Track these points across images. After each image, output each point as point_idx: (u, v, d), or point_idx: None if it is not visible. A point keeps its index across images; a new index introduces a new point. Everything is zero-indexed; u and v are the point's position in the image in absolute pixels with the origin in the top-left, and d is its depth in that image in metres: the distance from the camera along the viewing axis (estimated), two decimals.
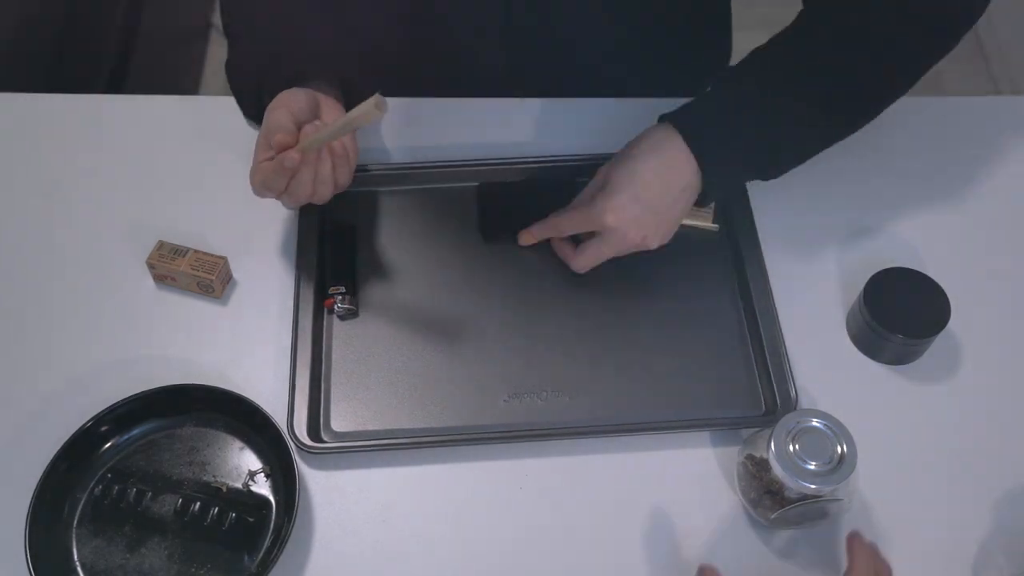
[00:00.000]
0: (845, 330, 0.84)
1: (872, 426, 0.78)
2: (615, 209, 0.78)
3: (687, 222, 0.87)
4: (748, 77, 0.80)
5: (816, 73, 0.79)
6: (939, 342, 0.81)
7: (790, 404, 0.78)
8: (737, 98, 0.79)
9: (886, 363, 0.82)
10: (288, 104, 0.77)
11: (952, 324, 0.79)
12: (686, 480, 0.76)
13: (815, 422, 0.69)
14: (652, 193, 0.78)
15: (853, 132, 0.83)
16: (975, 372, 0.82)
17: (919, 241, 0.89)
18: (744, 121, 0.79)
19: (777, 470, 0.68)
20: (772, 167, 0.83)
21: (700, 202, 0.82)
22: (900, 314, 0.79)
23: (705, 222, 0.88)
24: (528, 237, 0.86)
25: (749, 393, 0.80)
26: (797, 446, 0.68)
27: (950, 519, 0.75)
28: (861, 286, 0.81)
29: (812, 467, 0.67)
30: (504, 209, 0.89)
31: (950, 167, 0.95)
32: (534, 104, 0.97)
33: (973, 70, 2.12)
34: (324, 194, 0.77)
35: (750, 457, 0.72)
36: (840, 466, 0.67)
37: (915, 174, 0.94)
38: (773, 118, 0.79)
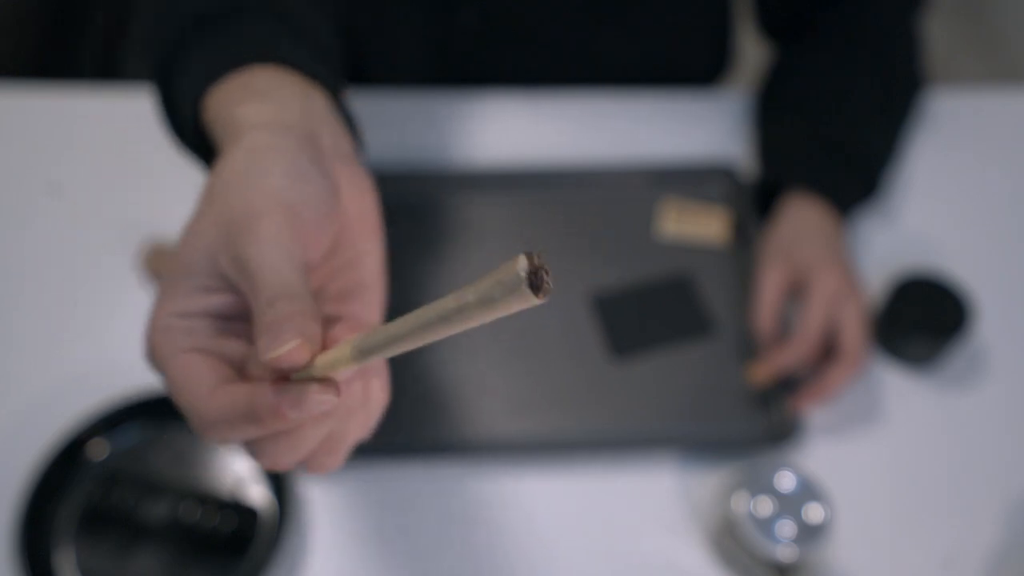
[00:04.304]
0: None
1: (884, 432, 0.77)
2: (836, 283, 0.78)
3: (698, 236, 0.87)
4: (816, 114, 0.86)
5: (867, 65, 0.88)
6: (963, 349, 0.81)
7: (798, 425, 0.76)
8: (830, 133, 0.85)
9: (908, 362, 0.81)
10: (277, 198, 0.37)
11: (980, 332, 0.78)
12: (684, 501, 0.75)
13: (788, 478, 0.68)
14: (839, 248, 0.81)
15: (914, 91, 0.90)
16: (999, 380, 0.81)
17: (945, 243, 0.88)
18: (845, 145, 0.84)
19: (749, 531, 0.66)
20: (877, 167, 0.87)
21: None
22: (924, 314, 0.78)
23: (718, 234, 0.87)
24: (763, 373, 0.78)
25: (756, 411, 0.78)
26: (769, 506, 0.67)
27: (962, 525, 0.74)
28: (882, 288, 0.81)
29: (784, 529, 0.66)
30: (626, 317, 0.83)
31: (975, 164, 0.93)
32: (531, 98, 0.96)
33: (984, 59, 2.11)
34: (330, 464, 0.38)
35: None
36: (816, 528, 0.66)
37: (934, 173, 0.92)
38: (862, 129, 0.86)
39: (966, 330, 0.77)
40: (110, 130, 0.93)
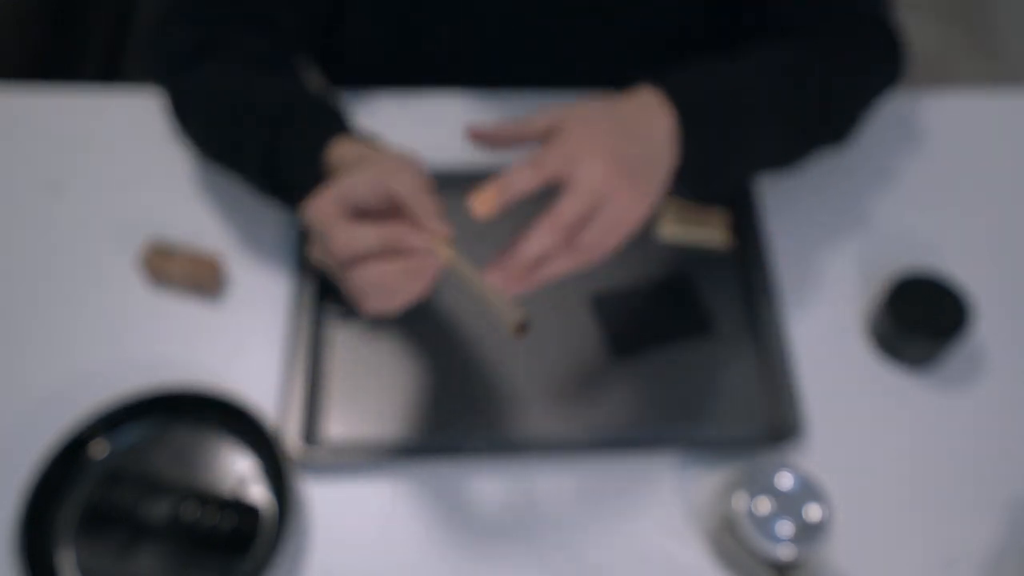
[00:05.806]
0: (862, 337, 0.83)
1: (884, 432, 0.78)
2: (576, 141, 0.65)
3: (697, 238, 0.86)
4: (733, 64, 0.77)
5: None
6: (963, 349, 0.81)
7: (799, 425, 0.76)
8: (721, 71, 0.76)
9: (907, 362, 0.81)
10: (399, 164, 0.67)
11: (979, 332, 0.79)
12: (684, 501, 0.75)
13: (788, 478, 0.68)
14: (620, 130, 0.67)
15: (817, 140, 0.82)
16: (998, 380, 0.81)
17: (944, 243, 0.88)
18: (723, 86, 0.74)
19: (747, 531, 0.67)
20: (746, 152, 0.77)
21: (689, 186, 0.73)
22: (923, 314, 0.78)
23: (717, 236, 0.87)
24: (485, 203, 0.65)
25: (756, 411, 0.78)
26: (768, 506, 0.67)
27: (962, 525, 0.74)
28: (881, 289, 0.81)
29: (784, 528, 0.66)
30: (626, 317, 0.83)
31: (973, 165, 0.93)
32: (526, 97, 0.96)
33: (982, 61, 2.11)
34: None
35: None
36: (815, 528, 0.66)
37: (933, 174, 0.92)
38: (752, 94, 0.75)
39: (965, 330, 0.77)
40: (110, 130, 0.93)
